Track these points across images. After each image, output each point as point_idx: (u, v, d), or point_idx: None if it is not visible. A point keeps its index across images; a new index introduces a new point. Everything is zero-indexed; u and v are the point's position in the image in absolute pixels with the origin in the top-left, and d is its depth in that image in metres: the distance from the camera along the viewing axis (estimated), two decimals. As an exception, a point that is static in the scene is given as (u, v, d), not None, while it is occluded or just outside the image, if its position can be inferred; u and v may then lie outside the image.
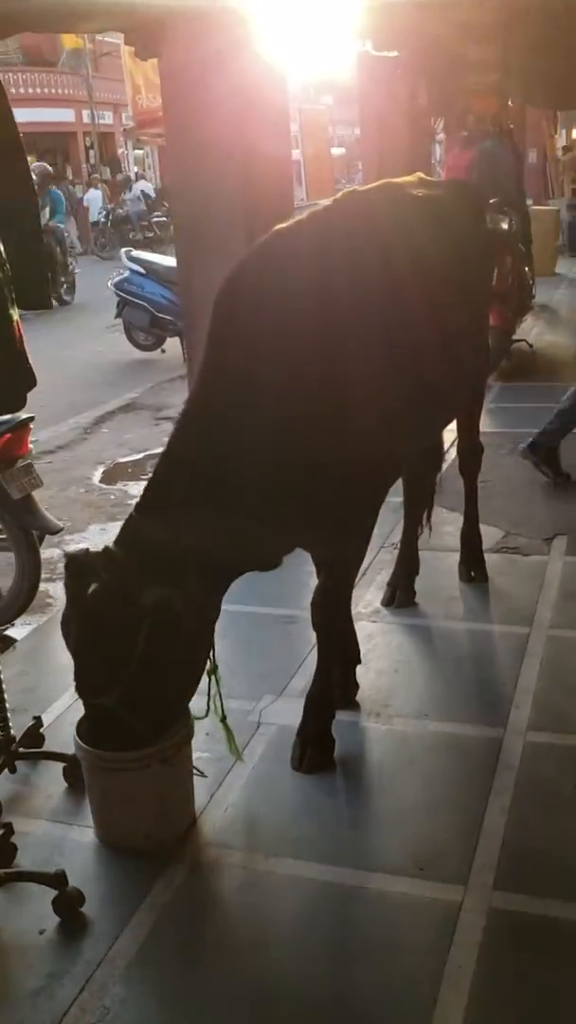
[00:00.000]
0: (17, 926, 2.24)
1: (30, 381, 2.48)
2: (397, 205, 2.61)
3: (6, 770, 2.75)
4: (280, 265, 2.35)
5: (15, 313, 2.42)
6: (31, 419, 3.83)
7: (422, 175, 2.87)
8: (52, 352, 10.34)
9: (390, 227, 2.50)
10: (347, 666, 3.10)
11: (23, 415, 3.82)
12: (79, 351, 10.23)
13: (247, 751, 2.85)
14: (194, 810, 2.57)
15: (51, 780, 2.76)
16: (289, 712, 2.91)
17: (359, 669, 3.17)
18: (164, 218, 17.35)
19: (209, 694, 2.50)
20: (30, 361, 2.47)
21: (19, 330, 2.44)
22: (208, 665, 2.45)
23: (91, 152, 25.40)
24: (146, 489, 2.37)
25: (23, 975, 2.10)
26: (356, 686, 3.11)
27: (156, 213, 19.82)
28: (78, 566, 2.26)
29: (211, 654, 2.44)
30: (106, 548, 2.30)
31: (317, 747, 2.76)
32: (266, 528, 2.38)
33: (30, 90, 23.93)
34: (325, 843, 2.45)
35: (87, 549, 2.33)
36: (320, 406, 2.33)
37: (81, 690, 2.35)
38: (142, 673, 2.25)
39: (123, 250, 10.48)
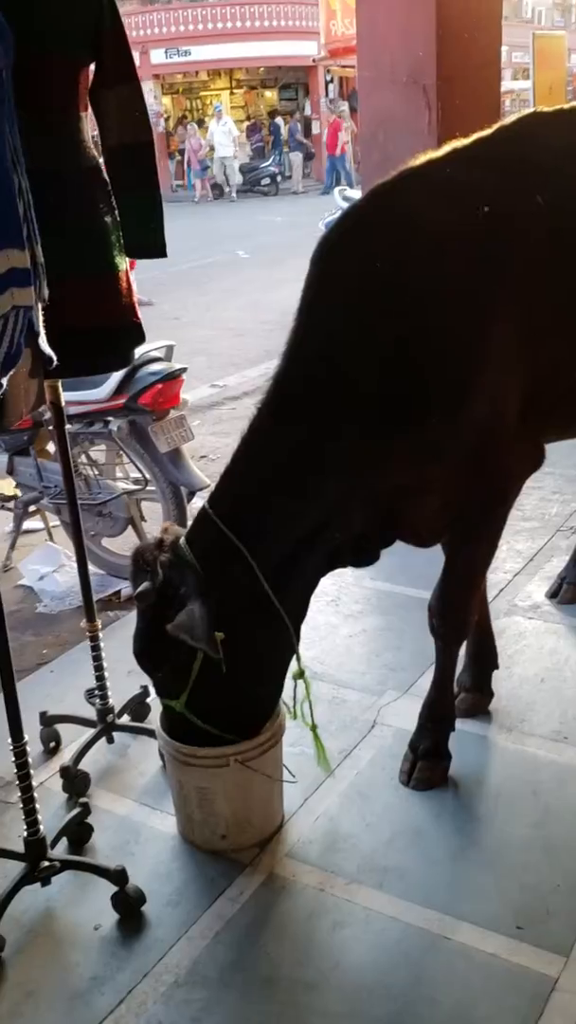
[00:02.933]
0: (75, 916, 2.14)
1: (137, 337, 2.28)
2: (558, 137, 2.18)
3: (103, 740, 2.66)
4: (398, 217, 2.02)
5: (123, 262, 2.21)
6: (183, 370, 3.70)
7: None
8: (257, 295, 10.31)
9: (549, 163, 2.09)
10: (483, 671, 2.77)
11: (176, 365, 3.70)
12: (284, 294, 10.08)
13: (355, 752, 2.61)
14: (280, 815, 2.37)
15: (147, 756, 2.65)
16: (411, 714, 2.62)
17: (499, 673, 2.83)
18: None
19: (295, 699, 2.26)
20: (139, 315, 2.27)
21: (127, 281, 2.24)
22: (294, 668, 2.20)
23: (330, 86, 24.95)
24: (221, 478, 2.13)
25: (67, 973, 1.99)
26: (491, 694, 2.77)
27: None
28: (140, 561, 2.08)
29: (296, 657, 2.18)
30: (175, 542, 2.09)
31: (429, 762, 2.47)
32: (358, 524, 2.09)
33: (273, 23, 23.75)
34: (416, 877, 2.17)
35: (160, 540, 2.13)
36: (441, 380, 2.00)
37: (154, 689, 2.20)
38: (207, 680, 2.05)
39: (336, 188, 10.16)
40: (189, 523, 3.74)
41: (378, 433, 2.04)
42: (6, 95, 1.66)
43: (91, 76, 2.13)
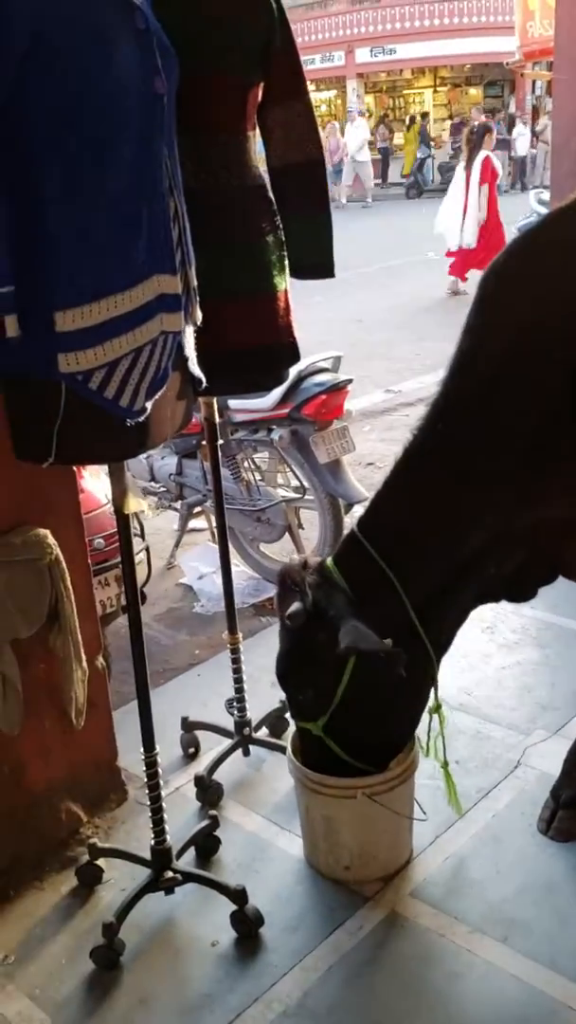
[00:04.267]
0: (194, 930, 2.16)
1: (292, 357, 2.26)
2: None
3: (239, 752, 2.68)
4: (572, 244, 1.89)
5: (283, 282, 2.20)
6: (348, 381, 3.68)
7: None
8: (442, 299, 10.15)
9: None
10: None
11: (342, 377, 3.68)
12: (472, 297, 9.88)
13: (494, 793, 2.51)
14: (408, 850, 2.30)
15: (281, 773, 2.63)
16: (559, 757, 2.48)
17: None
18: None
19: (429, 735, 2.19)
20: (295, 336, 2.25)
21: (286, 301, 2.22)
22: (431, 702, 2.13)
23: (537, 84, 24.17)
24: (372, 501, 2.08)
25: (181, 987, 2.02)
26: None
27: None
28: (288, 580, 2.06)
29: (435, 690, 2.11)
30: (322, 563, 2.06)
31: (571, 812, 2.33)
32: (516, 560, 1.99)
33: (481, 19, 23.30)
34: (543, 935, 2.06)
35: (305, 561, 2.11)
36: None
37: (290, 711, 2.18)
38: (348, 706, 2.01)
39: (532, 191, 9.84)
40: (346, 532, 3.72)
41: (541, 468, 1.93)
42: (167, 120, 1.68)
43: (260, 94, 2.12)
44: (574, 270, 1.90)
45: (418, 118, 23.34)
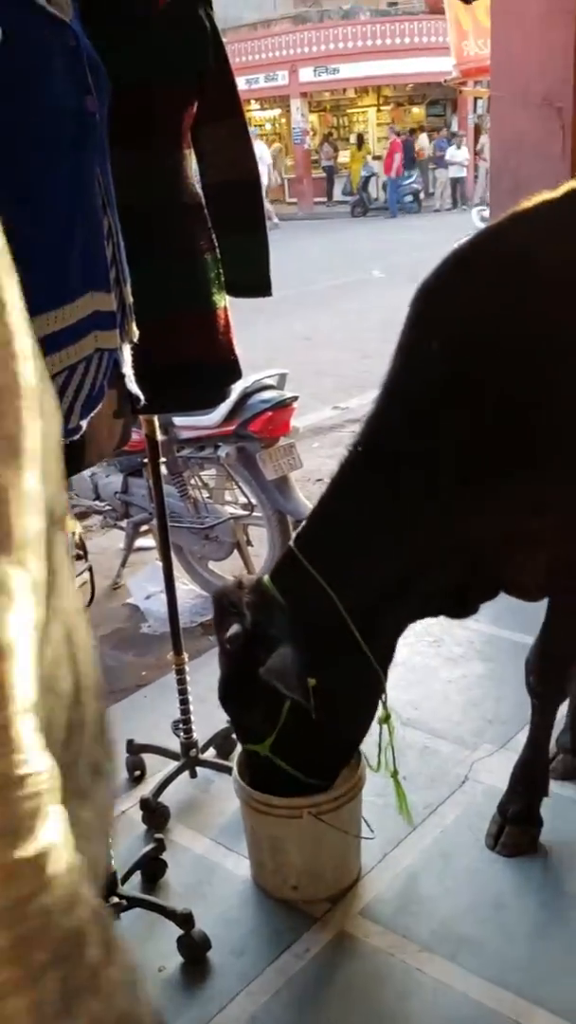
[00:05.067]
0: (140, 955, 2.11)
1: (233, 374, 2.26)
2: None
3: (187, 774, 2.65)
4: (504, 260, 1.91)
5: (221, 300, 2.20)
6: (294, 398, 3.68)
7: None
8: (389, 316, 10.20)
9: None
10: (582, 731, 2.62)
11: (288, 393, 3.68)
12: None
13: (441, 809, 2.51)
14: (356, 869, 2.29)
15: (228, 794, 2.59)
16: (505, 771, 2.49)
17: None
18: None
19: (380, 745, 2.18)
20: (236, 353, 2.24)
21: (226, 318, 2.21)
22: (380, 712, 2.12)
23: (478, 103, 24.59)
24: (308, 518, 2.08)
25: (126, 1016, 1.97)
26: (590, 756, 2.61)
27: None
28: (224, 602, 2.04)
29: (383, 701, 2.11)
30: (259, 581, 2.04)
31: (518, 828, 2.34)
32: (456, 575, 2.00)
33: (423, 39, 23.66)
34: (493, 952, 2.06)
35: (240, 581, 2.09)
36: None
37: (236, 734, 2.16)
38: (294, 724, 2.00)
39: (475, 208, 9.97)
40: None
41: (477, 484, 1.93)
42: (99, 138, 1.66)
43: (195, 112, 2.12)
44: (501, 288, 1.91)
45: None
